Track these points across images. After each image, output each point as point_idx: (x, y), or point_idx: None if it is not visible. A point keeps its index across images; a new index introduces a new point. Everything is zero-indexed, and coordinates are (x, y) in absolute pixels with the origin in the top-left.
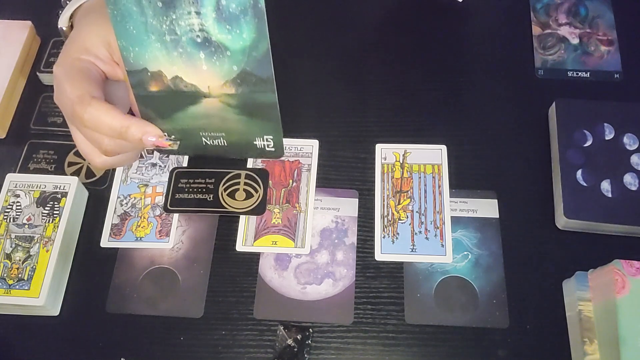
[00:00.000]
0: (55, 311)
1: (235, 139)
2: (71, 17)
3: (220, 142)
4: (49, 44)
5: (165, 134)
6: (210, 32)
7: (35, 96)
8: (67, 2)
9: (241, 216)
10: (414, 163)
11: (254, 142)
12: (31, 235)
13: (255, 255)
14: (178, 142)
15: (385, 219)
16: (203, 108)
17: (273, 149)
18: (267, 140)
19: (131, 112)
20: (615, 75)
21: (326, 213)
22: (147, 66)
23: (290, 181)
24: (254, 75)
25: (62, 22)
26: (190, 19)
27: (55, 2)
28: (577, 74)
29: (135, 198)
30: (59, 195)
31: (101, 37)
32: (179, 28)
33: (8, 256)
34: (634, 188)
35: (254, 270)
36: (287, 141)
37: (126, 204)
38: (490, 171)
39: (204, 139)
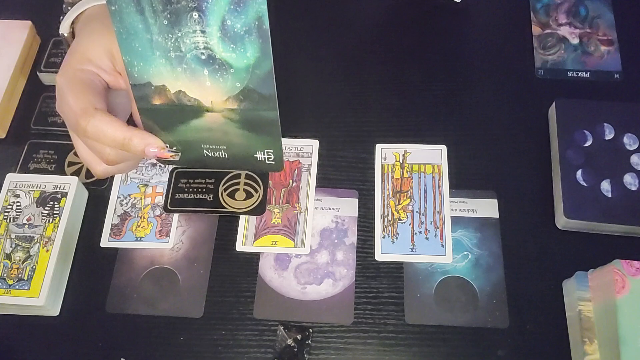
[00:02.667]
0: (55, 311)
1: (236, 152)
2: (73, 23)
3: (222, 155)
4: (49, 43)
5: (167, 145)
6: (215, 50)
7: (36, 96)
8: (69, 8)
9: (241, 216)
10: (414, 163)
11: (255, 156)
12: (31, 235)
13: (255, 255)
14: (179, 154)
15: (385, 219)
16: (205, 122)
17: (273, 162)
18: (267, 154)
19: (131, 120)
20: (615, 75)
21: (326, 213)
22: (151, 80)
23: (290, 181)
24: (257, 93)
25: (64, 29)
26: (195, 37)
27: (56, 2)
28: (577, 74)
29: (135, 198)
30: (59, 195)
31: (103, 47)
32: (183, 45)
33: (8, 256)
34: (634, 188)
35: (254, 270)
36: (287, 141)
37: (126, 204)
38: (490, 171)
39: (205, 151)
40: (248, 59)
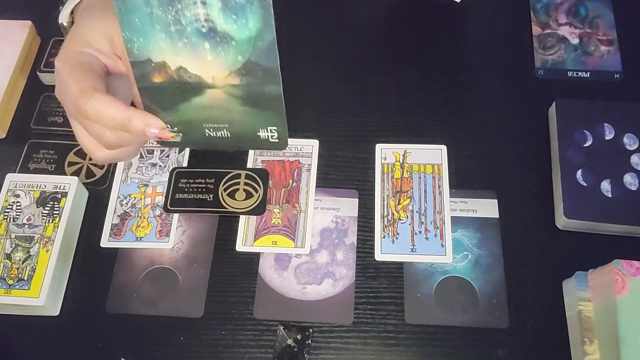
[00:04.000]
0: (55, 311)
1: (239, 130)
2: (72, 12)
3: (224, 134)
4: (49, 43)
5: (168, 126)
6: (216, 22)
7: (36, 96)
8: None
9: (241, 216)
10: (414, 163)
11: (258, 134)
12: (31, 235)
13: (255, 255)
14: (181, 134)
15: (385, 219)
16: (207, 99)
17: (277, 140)
18: (271, 131)
19: (133, 106)
20: (615, 75)
21: (326, 213)
22: (151, 57)
23: (290, 181)
24: (259, 66)
25: (63, 18)
26: (196, 9)
27: (56, 2)
28: (577, 74)
29: (135, 198)
30: (59, 195)
31: (103, 31)
32: (184, 18)
33: (8, 256)
34: (634, 188)
35: (254, 270)
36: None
37: (126, 204)
38: (490, 171)
39: (207, 130)
40: (250, 30)
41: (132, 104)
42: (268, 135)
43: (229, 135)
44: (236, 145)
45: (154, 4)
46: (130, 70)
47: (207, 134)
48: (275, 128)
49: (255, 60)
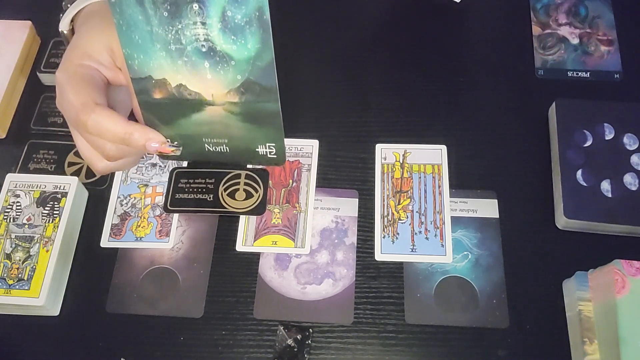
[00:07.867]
0: (55, 311)
1: (237, 146)
2: (72, 20)
3: (223, 149)
4: (49, 43)
5: (168, 140)
6: (215, 42)
7: (35, 96)
8: (68, 5)
9: (241, 216)
10: (414, 163)
11: (256, 149)
12: (31, 235)
13: (255, 255)
14: (180, 148)
15: (385, 219)
16: (206, 115)
17: (275, 156)
18: (269, 147)
19: (132, 117)
20: (615, 75)
21: (326, 213)
22: (152, 74)
23: (290, 181)
24: (258, 85)
25: (63, 26)
26: (196, 29)
27: (56, 2)
28: (577, 74)
29: (135, 198)
30: (59, 195)
31: (104, 42)
32: (184, 37)
33: (8, 256)
34: (634, 188)
35: (254, 270)
36: (287, 141)
37: (126, 204)
38: (490, 171)
39: (206, 145)
40: (249, 51)
41: (132, 114)
42: (266, 151)
43: (228, 150)
44: (235, 159)
45: (154, 22)
46: (130, 83)
47: (206, 149)
48: (273, 144)
49: (253, 79)
